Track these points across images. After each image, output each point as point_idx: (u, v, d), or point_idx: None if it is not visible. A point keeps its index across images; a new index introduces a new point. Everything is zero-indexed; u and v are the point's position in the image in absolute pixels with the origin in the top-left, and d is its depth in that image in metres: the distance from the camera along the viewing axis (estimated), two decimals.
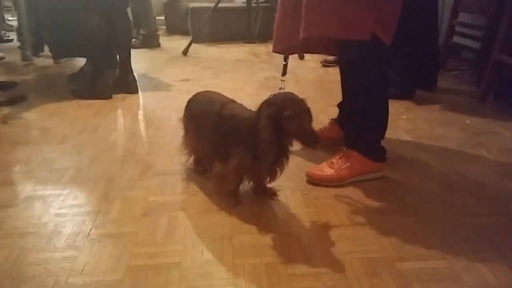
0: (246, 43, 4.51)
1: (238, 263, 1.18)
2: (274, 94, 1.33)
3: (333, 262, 1.18)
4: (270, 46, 4.17)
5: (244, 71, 3.41)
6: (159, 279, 1.13)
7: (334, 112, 1.96)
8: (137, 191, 1.59)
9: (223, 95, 1.58)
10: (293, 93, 1.31)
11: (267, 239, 1.29)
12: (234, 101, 1.52)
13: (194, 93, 1.66)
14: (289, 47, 1.71)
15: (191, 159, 1.71)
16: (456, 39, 3.25)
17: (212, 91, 1.63)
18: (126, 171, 1.74)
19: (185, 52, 3.98)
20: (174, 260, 1.20)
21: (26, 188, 1.62)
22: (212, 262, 1.19)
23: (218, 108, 1.47)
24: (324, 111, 2.29)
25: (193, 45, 4.06)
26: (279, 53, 1.76)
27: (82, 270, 1.17)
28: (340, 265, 1.17)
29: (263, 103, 1.32)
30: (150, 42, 4.37)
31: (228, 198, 1.47)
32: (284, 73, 1.68)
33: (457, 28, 3.23)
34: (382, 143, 1.67)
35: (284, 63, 1.71)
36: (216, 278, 1.13)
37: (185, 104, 1.65)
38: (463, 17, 3.19)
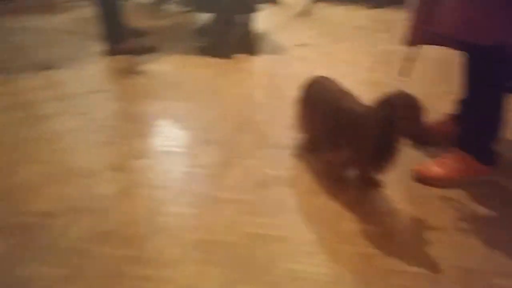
0: (374, 7, 4.25)
1: (338, 249, 1.31)
2: (388, 94, 1.37)
3: (428, 265, 1.24)
4: (398, 14, 3.99)
5: (363, 41, 3.31)
6: (268, 249, 1.30)
7: (452, 100, 1.89)
8: (254, 161, 1.76)
9: (340, 85, 1.64)
10: (406, 93, 1.34)
11: (367, 230, 1.39)
12: (350, 93, 1.58)
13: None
14: (421, 40, 1.69)
15: (304, 136, 1.82)
16: None
17: (330, 79, 1.69)
18: (244, 138, 1.92)
19: (305, 13, 3.98)
20: (282, 233, 1.37)
21: (156, 143, 1.88)
22: (314, 243, 1.33)
23: (335, 99, 1.55)
24: (442, 97, 2.21)
25: (316, 4, 3.99)
26: (411, 45, 1.74)
27: (202, 228, 1.39)
28: (435, 269, 1.23)
29: (378, 103, 1.38)
30: None
31: (335, 184, 1.58)
32: (405, 73, 1.68)
33: None
34: (496, 146, 1.62)
35: (408, 59, 1.70)
36: (317, 259, 1.27)
37: (302, 85, 1.74)
38: None
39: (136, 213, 1.47)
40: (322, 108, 1.59)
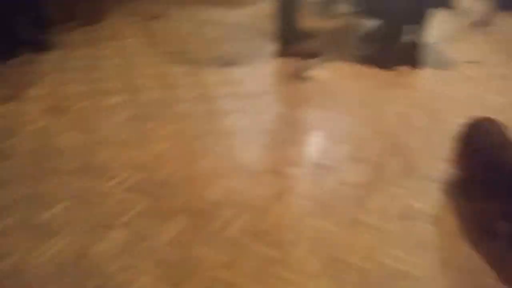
0: None
1: None
2: None
3: None
4: None
5: None
6: (401, 286, 1.39)
7: None
8: (400, 189, 1.81)
9: (507, 132, 1.58)
10: None
11: None
12: None
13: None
14: None
15: (458, 174, 1.80)
16: None
17: (497, 123, 1.65)
18: (393, 162, 1.97)
19: (482, 23, 3.68)
20: (417, 273, 1.43)
21: (309, 152, 2.05)
22: None
23: (499, 149, 1.52)
24: None
25: (496, 13, 3.65)
26: None
27: (340, 247, 1.52)
28: None
29: None
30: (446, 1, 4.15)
31: (482, 234, 1.57)
32: None
33: None
34: None
35: None
36: None
37: (467, 122, 1.73)
38: None
39: (285, 218, 1.67)
40: (484, 154, 1.57)
